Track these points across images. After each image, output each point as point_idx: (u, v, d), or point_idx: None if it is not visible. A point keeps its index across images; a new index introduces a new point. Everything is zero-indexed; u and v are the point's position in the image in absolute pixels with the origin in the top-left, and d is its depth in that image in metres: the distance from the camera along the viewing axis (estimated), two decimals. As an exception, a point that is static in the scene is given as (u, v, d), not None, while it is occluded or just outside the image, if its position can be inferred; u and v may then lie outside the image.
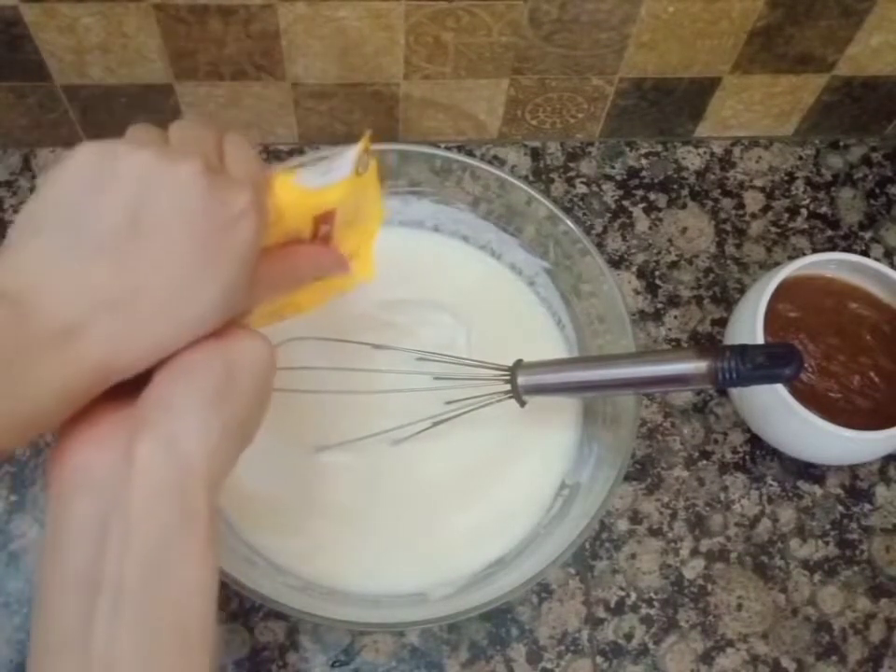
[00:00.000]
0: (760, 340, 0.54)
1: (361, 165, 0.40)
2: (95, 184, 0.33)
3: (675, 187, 0.68)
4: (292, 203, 0.38)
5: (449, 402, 0.51)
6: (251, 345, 0.36)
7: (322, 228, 0.40)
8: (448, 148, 0.66)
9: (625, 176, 0.68)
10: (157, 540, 0.32)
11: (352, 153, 0.40)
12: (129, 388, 0.34)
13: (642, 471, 0.60)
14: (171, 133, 0.37)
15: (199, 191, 0.33)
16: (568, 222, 0.55)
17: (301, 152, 0.67)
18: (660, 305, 0.64)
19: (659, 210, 0.67)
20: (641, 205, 0.67)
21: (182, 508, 0.32)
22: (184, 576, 0.32)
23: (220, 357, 0.35)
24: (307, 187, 0.39)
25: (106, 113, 0.62)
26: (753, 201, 0.68)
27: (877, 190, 0.70)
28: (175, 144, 0.36)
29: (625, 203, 0.67)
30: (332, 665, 0.54)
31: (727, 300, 0.65)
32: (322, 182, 0.39)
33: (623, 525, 0.58)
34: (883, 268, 0.57)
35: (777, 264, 0.63)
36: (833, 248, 0.67)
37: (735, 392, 0.60)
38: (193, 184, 0.33)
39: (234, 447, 0.35)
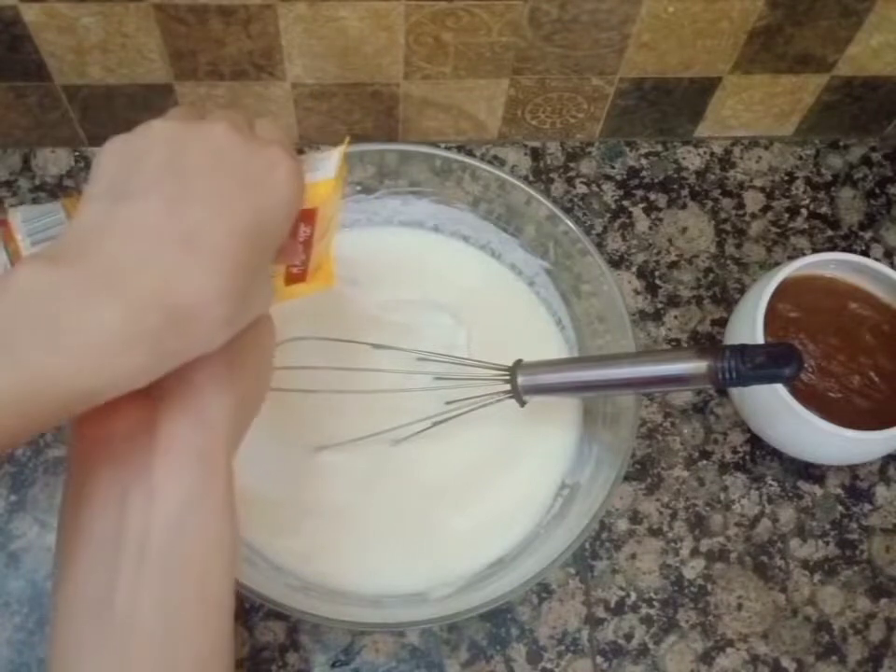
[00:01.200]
0: (760, 340, 0.54)
1: (339, 170, 0.40)
2: (129, 158, 0.34)
3: (675, 187, 0.68)
4: None
5: (449, 402, 0.51)
6: (258, 320, 0.38)
7: (302, 228, 0.40)
8: (448, 148, 0.66)
9: (625, 176, 0.68)
10: (180, 502, 0.33)
11: (335, 156, 0.40)
12: None
13: (642, 471, 0.60)
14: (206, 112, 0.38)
15: (230, 142, 0.34)
16: (568, 222, 0.55)
17: (300, 152, 0.67)
18: (660, 305, 0.64)
19: (659, 210, 0.67)
20: (641, 205, 0.67)
21: (204, 470, 0.34)
22: (205, 536, 0.34)
23: None
24: None
25: (106, 113, 0.62)
26: (753, 201, 0.68)
27: (877, 190, 0.70)
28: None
29: (625, 203, 0.67)
30: (332, 665, 0.54)
31: (727, 300, 0.65)
32: (309, 178, 0.39)
33: (622, 524, 0.58)
34: (883, 268, 0.57)
35: (776, 264, 0.63)
36: (833, 248, 0.67)
37: (735, 392, 0.60)
38: (224, 137, 0.34)
39: (246, 416, 0.37)
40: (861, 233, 0.68)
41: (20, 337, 0.28)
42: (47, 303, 0.29)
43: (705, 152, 0.70)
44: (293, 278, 0.44)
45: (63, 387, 0.29)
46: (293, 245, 0.41)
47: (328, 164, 0.40)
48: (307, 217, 0.40)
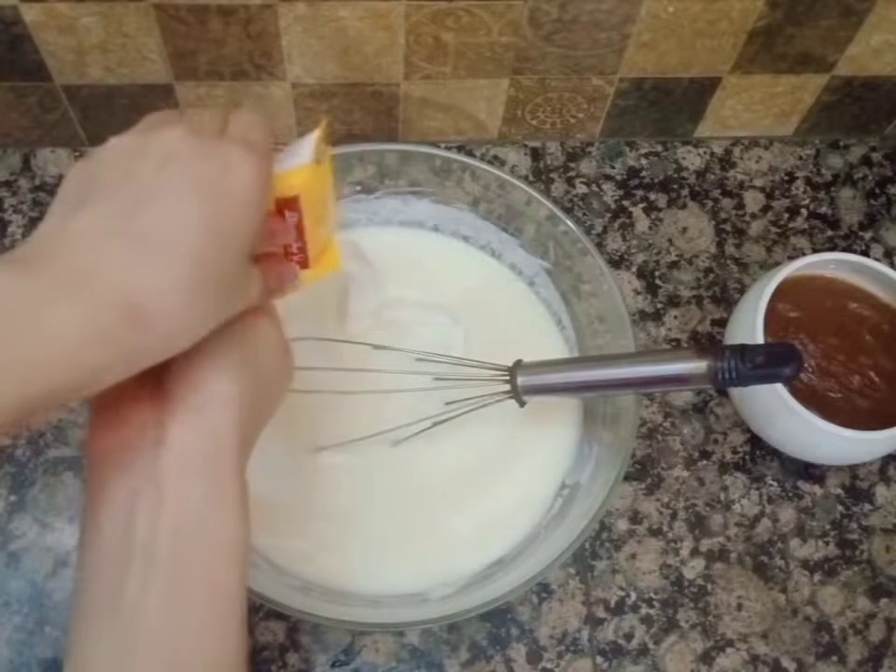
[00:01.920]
0: (760, 340, 0.54)
1: (319, 153, 0.40)
2: (86, 176, 0.34)
3: (675, 187, 0.68)
4: None
5: (449, 403, 0.51)
6: (264, 322, 0.38)
7: (288, 215, 0.40)
8: (448, 148, 0.66)
9: (625, 176, 0.68)
10: (190, 510, 0.33)
11: (310, 140, 0.40)
12: (155, 372, 0.35)
13: (642, 471, 0.59)
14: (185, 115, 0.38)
15: (183, 147, 0.34)
16: (568, 222, 0.55)
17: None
18: (660, 305, 0.64)
19: (659, 210, 0.67)
20: (641, 205, 0.67)
21: (214, 478, 0.34)
22: (215, 545, 0.34)
23: (237, 335, 0.36)
24: None
25: (106, 113, 0.62)
26: (753, 201, 0.68)
27: (877, 190, 0.70)
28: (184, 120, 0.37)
29: (625, 203, 0.67)
30: (332, 665, 0.54)
31: (727, 300, 0.65)
32: (282, 167, 0.39)
33: (622, 524, 0.58)
34: (883, 268, 0.57)
35: (776, 264, 0.63)
36: (833, 248, 0.67)
37: (734, 392, 0.60)
38: (176, 142, 0.34)
39: (258, 421, 0.37)
40: (861, 233, 0.68)
41: None
42: (3, 307, 0.29)
43: (705, 152, 0.70)
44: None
45: (28, 386, 0.29)
46: (283, 227, 0.41)
47: (303, 150, 0.40)
48: (289, 204, 0.40)
